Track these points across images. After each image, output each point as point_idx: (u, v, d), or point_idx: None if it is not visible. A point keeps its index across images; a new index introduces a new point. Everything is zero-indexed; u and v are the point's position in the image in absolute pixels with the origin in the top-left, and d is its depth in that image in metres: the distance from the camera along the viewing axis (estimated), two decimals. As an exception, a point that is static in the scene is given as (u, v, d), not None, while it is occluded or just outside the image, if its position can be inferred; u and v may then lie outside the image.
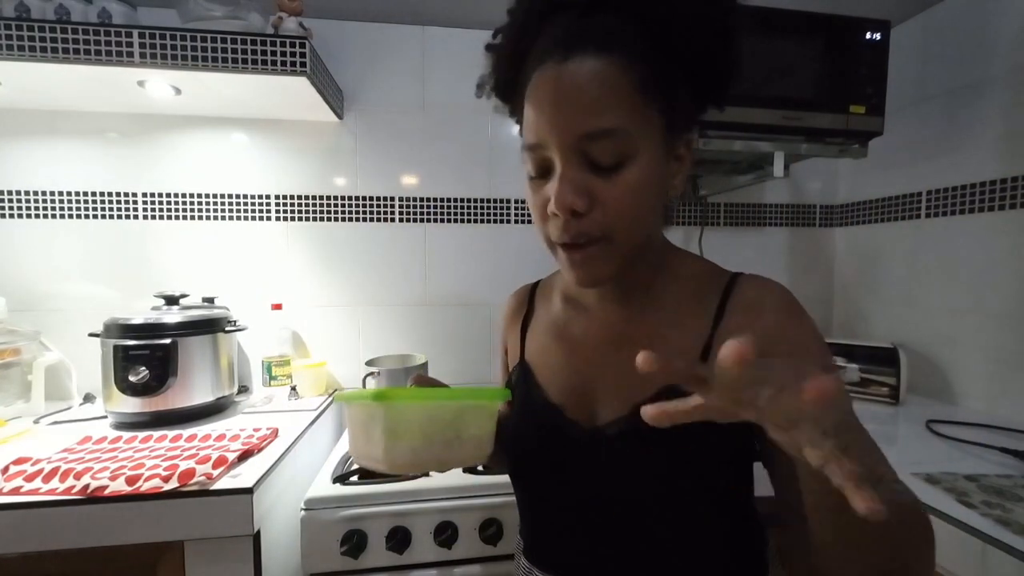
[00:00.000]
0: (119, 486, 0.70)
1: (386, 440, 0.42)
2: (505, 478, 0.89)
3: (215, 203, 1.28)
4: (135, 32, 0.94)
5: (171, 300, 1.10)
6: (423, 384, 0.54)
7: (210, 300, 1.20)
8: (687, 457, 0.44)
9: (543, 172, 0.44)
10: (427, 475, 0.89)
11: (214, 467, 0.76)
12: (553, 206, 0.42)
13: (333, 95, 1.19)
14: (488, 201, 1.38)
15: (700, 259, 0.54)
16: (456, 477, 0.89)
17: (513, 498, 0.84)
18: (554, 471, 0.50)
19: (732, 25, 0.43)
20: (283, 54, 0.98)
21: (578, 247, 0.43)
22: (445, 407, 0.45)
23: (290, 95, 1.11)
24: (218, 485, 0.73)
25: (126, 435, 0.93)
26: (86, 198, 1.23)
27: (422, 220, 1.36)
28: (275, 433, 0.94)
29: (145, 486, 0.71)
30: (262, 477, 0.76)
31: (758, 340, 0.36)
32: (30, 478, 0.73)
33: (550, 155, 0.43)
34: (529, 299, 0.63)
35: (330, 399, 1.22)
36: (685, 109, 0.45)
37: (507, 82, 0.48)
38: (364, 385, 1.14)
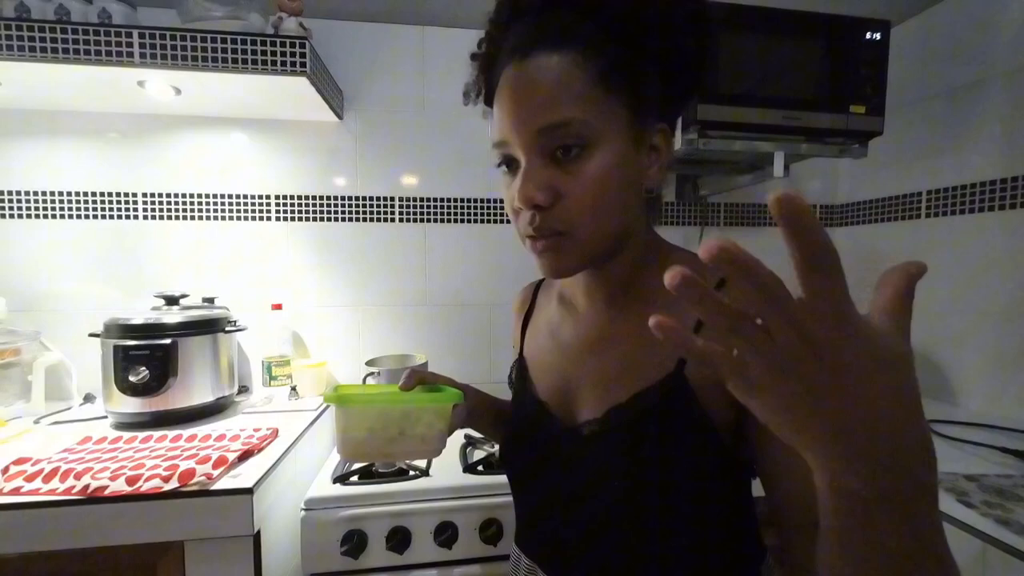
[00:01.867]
0: (119, 486, 0.70)
1: (340, 432, 0.52)
2: (504, 478, 0.89)
3: (215, 203, 1.28)
4: (135, 32, 0.94)
5: (171, 300, 1.10)
6: (414, 377, 0.57)
7: (210, 300, 1.20)
8: (658, 465, 0.43)
9: (510, 166, 0.46)
10: (427, 474, 0.90)
11: (214, 467, 0.76)
12: (516, 200, 0.43)
13: (333, 95, 1.19)
14: (488, 201, 1.38)
15: (692, 256, 0.51)
16: (456, 477, 0.89)
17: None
18: (537, 464, 0.52)
19: (698, 13, 0.43)
20: (283, 54, 0.98)
21: (540, 239, 0.44)
22: (390, 408, 0.53)
23: (290, 95, 1.11)
24: (218, 485, 0.73)
25: (126, 435, 0.93)
26: (86, 198, 1.23)
27: (422, 220, 1.36)
28: (275, 433, 0.94)
29: (145, 486, 0.71)
30: (262, 477, 0.76)
31: None
32: (30, 478, 0.73)
33: (513, 152, 0.44)
34: (533, 296, 0.65)
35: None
36: (652, 99, 0.44)
37: (488, 88, 0.50)
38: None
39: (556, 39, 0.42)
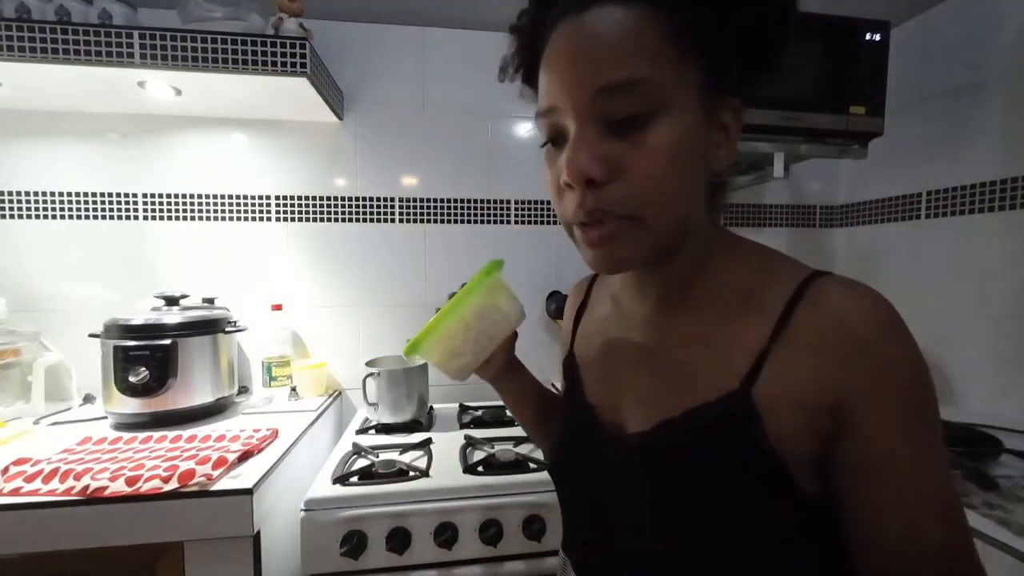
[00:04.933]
0: (119, 487, 0.70)
1: (442, 364, 0.58)
2: (505, 479, 0.89)
3: (215, 203, 1.28)
4: (135, 33, 0.94)
5: (171, 301, 1.10)
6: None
7: (210, 301, 1.20)
8: (709, 490, 0.37)
9: (557, 140, 0.39)
10: (427, 475, 0.90)
11: (214, 468, 0.76)
12: (565, 175, 0.36)
13: (333, 96, 1.19)
14: (488, 201, 1.38)
15: (766, 252, 0.44)
16: (456, 478, 0.89)
17: (514, 499, 0.84)
18: (584, 471, 0.48)
19: None
20: (283, 55, 0.98)
21: (596, 224, 0.37)
22: (458, 317, 0.56)
23: (290, 96, 1.11)
24: (218, 486, 0.74)
25: (126, 436, 0.93)
26: (86, 198, 1.23)
27: (422, 220, 1.36)
28: (275, 434, 0.94)
29: (145, 487, 0.71)
30: (262, 478, 0.76)
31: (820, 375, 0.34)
32: (30, 479, 0.73)
33: (563, 120, 0.37)
34: (587, 291, 0.61)
35: (331, 399, 1.23)
36: (728, 69, 0.38)
37: (529, 58, 0.44)
38: (364, 386, 1.13)
39: None
